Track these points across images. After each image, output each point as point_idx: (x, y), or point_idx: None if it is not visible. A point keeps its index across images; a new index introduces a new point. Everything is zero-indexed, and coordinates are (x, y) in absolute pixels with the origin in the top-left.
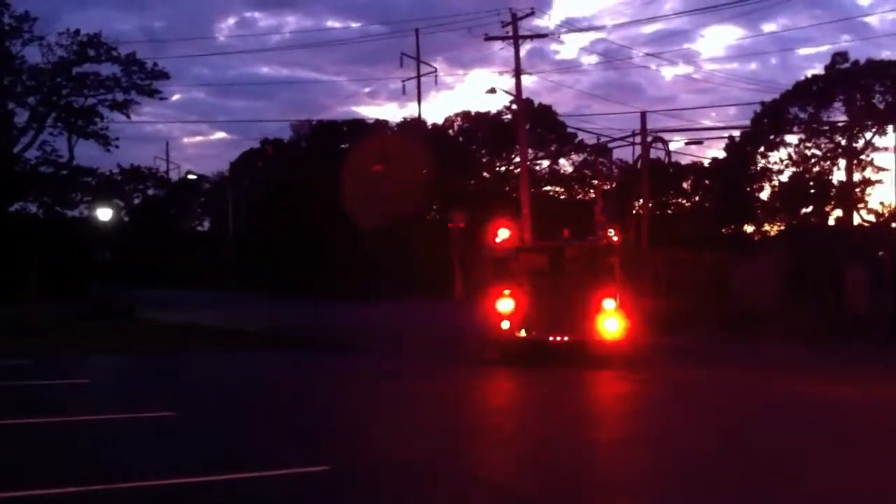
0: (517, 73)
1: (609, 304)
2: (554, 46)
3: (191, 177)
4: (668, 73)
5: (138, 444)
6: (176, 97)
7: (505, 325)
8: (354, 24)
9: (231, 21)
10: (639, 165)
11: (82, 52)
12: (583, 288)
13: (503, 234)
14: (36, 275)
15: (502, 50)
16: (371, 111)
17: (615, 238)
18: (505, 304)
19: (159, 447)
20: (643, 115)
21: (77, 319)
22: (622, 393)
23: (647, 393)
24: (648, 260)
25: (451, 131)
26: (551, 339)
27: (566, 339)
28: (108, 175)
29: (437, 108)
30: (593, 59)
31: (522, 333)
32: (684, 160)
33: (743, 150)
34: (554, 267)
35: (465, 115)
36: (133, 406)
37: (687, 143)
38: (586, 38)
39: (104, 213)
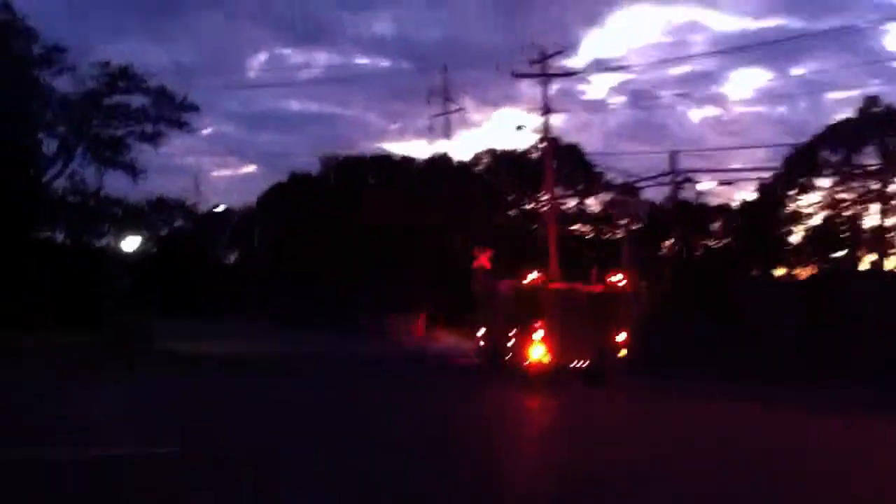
0: (545, 110)
1: (620, 336)
2: (581, 86)
3: (218, 209)
4: (696, 115)
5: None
6: (206, 131)
7: (536, 353)
8: (383, 62)
9: (261, 57)
10: (668, 205)
11: (112, 83)
12: (598, 323)
13: (532, 275)
14: (55, 303)
15: (532, 88)
16: (399, 147)
17: (623, 283)
18: (536, 336)
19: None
20: (672, 154)
21: (92, 348)
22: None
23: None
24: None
25: (477, 168)
26: (573, 364)
27: (585, 364)
28: (136, 206)
29: (464, 146)
30: (621, 99)
31: (548, 359)
32: (713, 202)
33: (774, 193)
34: (574, 305)
35: (492, 153)
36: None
37: (719, 184)
38: (614, 79)
39: (130, 244)
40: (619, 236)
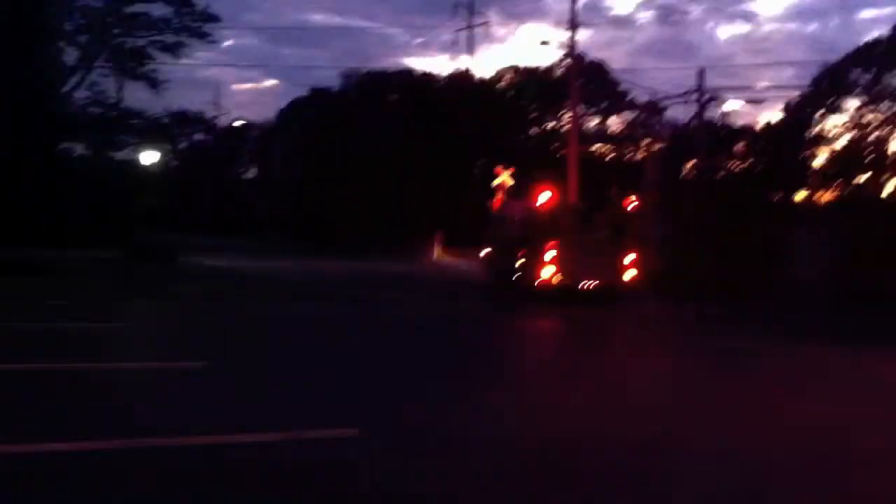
0: (572, 25)
1: (629, 258)
2: (608, 1)
3: (238, 123)
4: (725, 32)
5: (166, 397)
6: (227, 43)
7: (546, 273)
8: None
9: None
10: (692, 125)
11: None
12: (608, 244)
13: (545, 195)
14: (82, 217)
15: (558, 1)
16: (422, 62)
17: (635, 204)
18: (547, 256)
19: (187, 400)
20: (701, 71)
21: (119, 262)
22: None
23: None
24: (696, 224)
25: (500, 85)
26: (582, 284)
27: (594, 284)
28: (156, 118)
29: (488, 61)
30: (648, 14)
31: (559, 279)
32: (738, 123)
33: (801, 113)
34: (585, 226)
35: (515, 70)
36: (164, 355)
37: (746, 103)
38: None
39: (150, 157)
40: (641, 157)
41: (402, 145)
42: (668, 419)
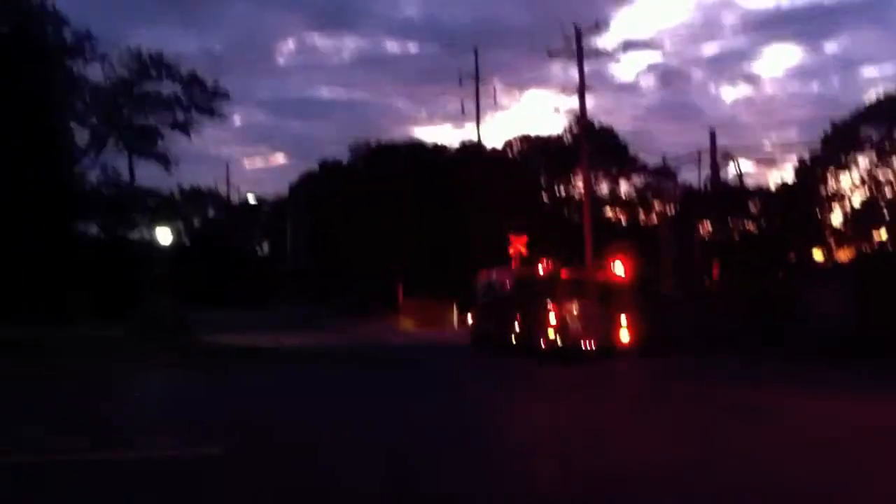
0: (581, 89)
1: (623, 320)
2: (611, 67)
3: (251, 200)
4: (729, 94)
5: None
6: (237, 122)
7: (551, 334)
8: (412, 44)
9: (290, 43)
10: (707, 185)
11: (143, 70)
12: (604, 308)
13: (543, 265)
14: (90, 295)
15: (562, 69)
16: (428, 132)
17: (623, 273)
18: (552, 320)
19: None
20: (712, 132)
21: (130, 339)
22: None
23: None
24: (713, 282)
25: (510, 154)
26: (583, 344)
27: (593, 343)
28: (169, 196)
29: (494, 129)
30: (652, 80)
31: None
32: (749, 183)
33: (812, 172)
34: (582, 292)
35: (525, 139)
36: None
37: (758, 163)
38: (644, 60)
39: (164, 235)
40: (655, 220)
41: (413, 215)
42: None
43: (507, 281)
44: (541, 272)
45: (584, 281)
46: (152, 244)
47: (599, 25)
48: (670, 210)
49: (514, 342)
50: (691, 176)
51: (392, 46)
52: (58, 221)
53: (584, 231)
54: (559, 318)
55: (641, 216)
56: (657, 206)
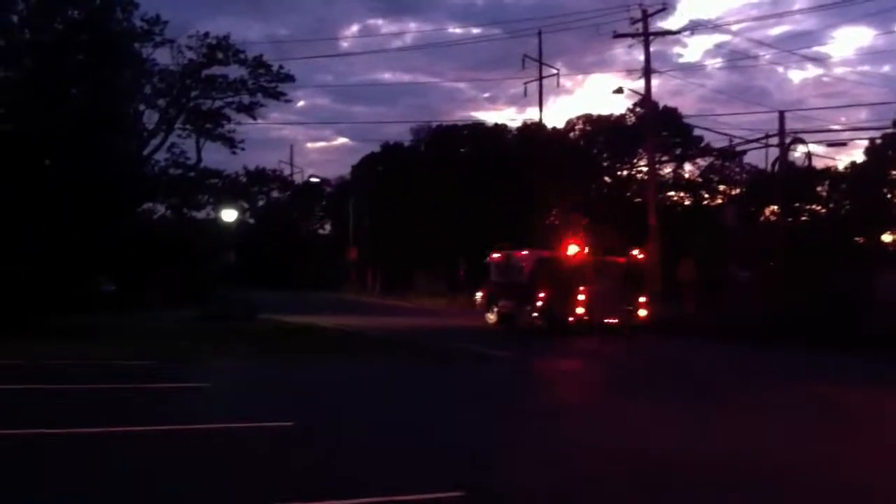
0: (647, 71)
1: (640, 299)
2: (677, 49)
3: (313, 180)
4: (797, 76)
5: (255, 459)
6: (301, 103)
7: (580, 311)
8: (475, 29)
9: (354, 27)
10: (775, 168)
11: (211, 54)
12: (623, 289)
13: (573, 249)
14: (161, 278)
15: (631, 48)
16: (490, 116)
17: (640, 256)
18: (580, 298)
19: (278, 462)
20: (781, 114)
21: (200, 322)
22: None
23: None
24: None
25: (571, 135)
26: (606, 321)
27: (615, 321)
28: (234, 177)
29: (555, 113)
30: (717, 61)
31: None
32: (817, 165)
33: (883, 154)
34: (605, 274)
35: (587, 119)
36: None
37: (829, 145)
38: (710, 41)
39: (229, 215)
40: (719, 203)
41: (474, 196)
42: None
43: (527, 264)
44: (570, 255)
45: (609, 264)
46: (218, 224)
47: (666, 6)
48: (735, 193)
49: (538, 321)
50: (756, 159)
51: (455, 31)
52: (130, 205)
53: (648, 213)
54: (588, 298)
55: (706, 199)
56: (722, 188)
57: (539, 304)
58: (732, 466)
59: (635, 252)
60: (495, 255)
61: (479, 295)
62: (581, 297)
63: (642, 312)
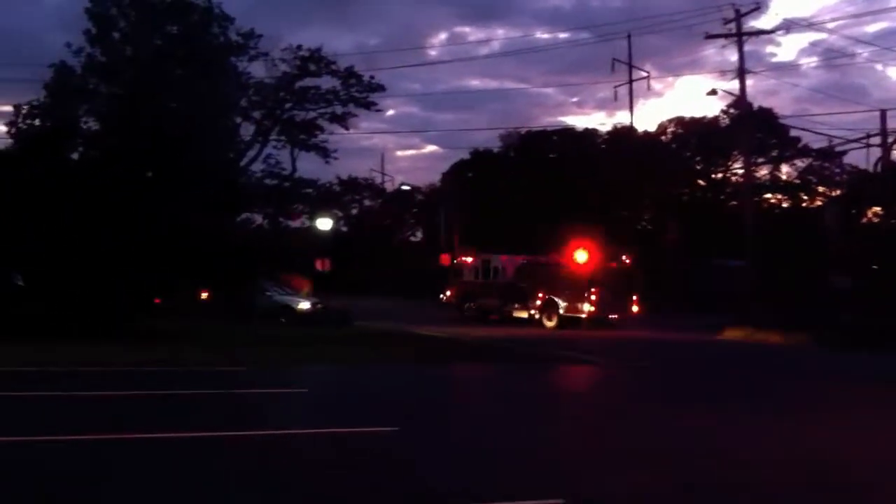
0: (741, 71)
1: (633, 298)
2: (770, 49)
3: (404, 188)
4: None
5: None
6: (390, 112)
7: (591, 308)
8: (562, 34)
9: (442, 35)
10: (877, 168)
11: (303, 66)
12: (621, 289)
13: (581, 256)
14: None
15: (724, 48)
16: (578, 120)
17: (628, 261)
18: (592, 297)
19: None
20: (883, 113)
21: (292, 327)
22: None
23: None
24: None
25: (663, 138)
26: (610, 316)
27: (616, 315)
28: (328, 186)
29: (646, 116)
30: (812, 60)
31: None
32: None
33: None
34: (608, 277)
35: (679, 121)
36: (351, 419)
37: None
38: (804, 39)
39: (324, 224)
40: (818, 205)
41: (564, 201)
42: None
43: (509, 266)
44: (579, 260)
45: (609, 270)
46: (313, 233)
47: (759, 5)
48: (835, 194)
49: (532, 317)
50: (857, 159)
51: (542, 36)
52: (228, 214)
53: (745, 216)
54: (598, 297)
55: (804, 201)
56: (821, 190)
57: (538, 302)
58: None
59: (623, 257)
60: (466, 259)
61: (447, 293)
62: (593, 297)
63: (635, 309)
